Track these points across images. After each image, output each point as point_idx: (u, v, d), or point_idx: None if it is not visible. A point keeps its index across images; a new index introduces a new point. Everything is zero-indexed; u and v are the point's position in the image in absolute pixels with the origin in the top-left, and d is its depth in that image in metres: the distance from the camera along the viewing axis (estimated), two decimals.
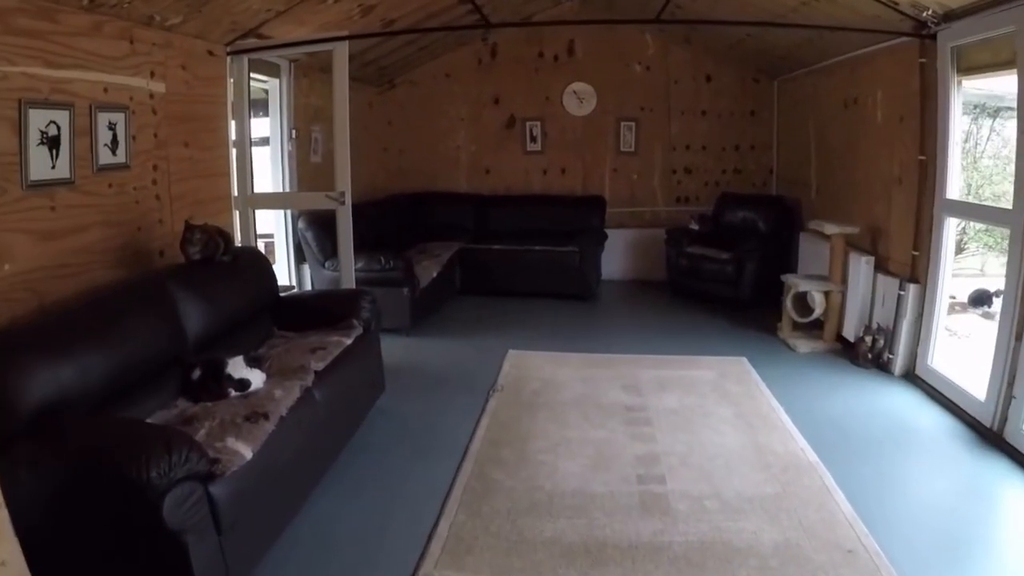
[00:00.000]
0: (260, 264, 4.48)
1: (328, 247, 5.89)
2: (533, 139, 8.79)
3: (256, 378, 3.36)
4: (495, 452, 3.94)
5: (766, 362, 5.46)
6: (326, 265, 6.03)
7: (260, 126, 6.46)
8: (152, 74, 4.27)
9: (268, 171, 6.30)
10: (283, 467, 3.03)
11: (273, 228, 6.58)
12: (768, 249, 7.12)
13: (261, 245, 7.51)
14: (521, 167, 8.86)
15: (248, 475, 2.70)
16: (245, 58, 5.08)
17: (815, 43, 6.23)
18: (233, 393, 3.28)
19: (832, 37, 5.77)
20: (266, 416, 2.98)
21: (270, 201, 5.89)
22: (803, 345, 5.85)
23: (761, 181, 8.58)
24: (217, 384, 3.29)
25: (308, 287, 6.45)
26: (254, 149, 6.66)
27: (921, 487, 3.69)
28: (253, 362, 3.43)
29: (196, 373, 3.34)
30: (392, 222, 7.83)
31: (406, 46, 7.42)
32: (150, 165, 4.31)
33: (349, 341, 4.04)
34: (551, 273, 7.55)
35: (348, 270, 5.23)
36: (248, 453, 2.72)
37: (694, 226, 7.73)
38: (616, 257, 8.47)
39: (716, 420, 4.36)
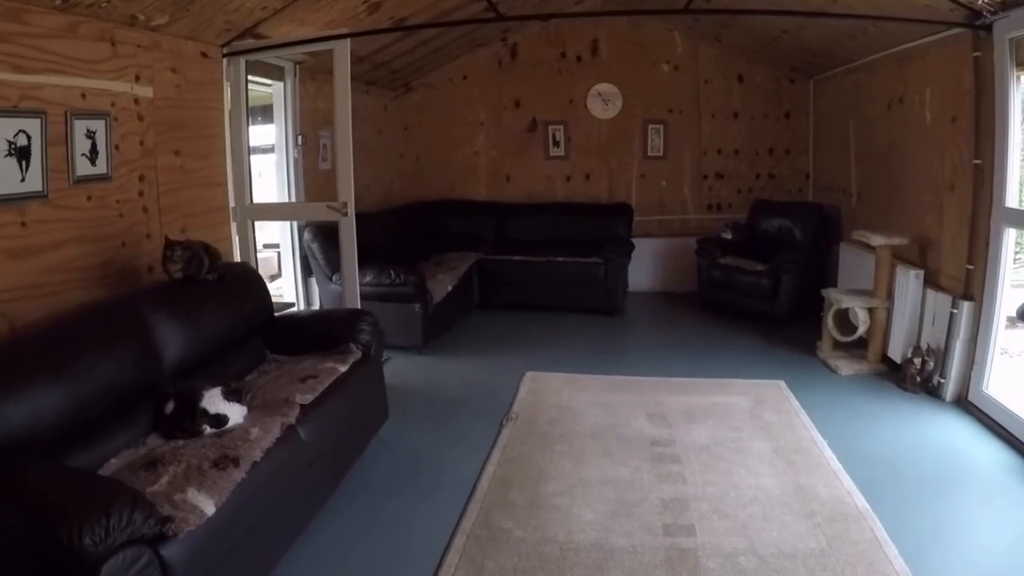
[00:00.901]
0: (251, 282, 4.12)
1: (335, 260, 5.54)
2: (556, 144, 8.42)
3: (235, 413, 3.02)
4: (504, 494, 3.54)
5: (806, 386, 5.03)
6: (333, 279, 5.69)
7: (266, 133, 6.17)
8: (137, 78, 3.97)
9: (274, 180, 6.00)
10: (257, 519, 2.68)
11: (280, 239, 6.28)
12: (806, 260, 6.68)
13: (273, 255, 7.27)
14: (543, 173, 8.49)
15: (210, 533, 2.36)
16: (242, 60, 4.75)
17: (856, 38, 5.81)
18: (208, 430, 2.94)
19: (875, 31, 5.38)
20: (236, 462, 2.63)
21: (269, 212, 5.56)
22: (845, 367, 5.41)
23: (796, 187, 8.15)
24: (191, 420, 2.95)
25: (316, 301, 6.13)
26: (261, 157, 6.38)
27: (982, 539, 3.22)
28: (232, 395, 3.08)
29: (169, 406, 3.01)
30: (408, 232, 7.48)
31: (420, 47, 7.07)
32: (136, 175, 4.01)
33: (344, 368, 3.68)
34: (575, 286, 7.16)
35: (352, 287, 4.86)
36: (209, 508, 2.37)
37: (727, 235, 7.30)
38: (644, 268, 8.06)
39: (752, 457, 3.93)
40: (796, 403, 4.71)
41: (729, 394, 4.88)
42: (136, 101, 3.98)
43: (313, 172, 6.14)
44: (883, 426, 4.42)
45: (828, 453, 3.96)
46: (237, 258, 4.87)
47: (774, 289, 6.57)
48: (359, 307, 4.80)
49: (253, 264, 4.91)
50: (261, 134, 6.37)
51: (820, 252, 6.94)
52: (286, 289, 6.18)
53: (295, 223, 6.00)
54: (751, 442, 4.13)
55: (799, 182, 8.15)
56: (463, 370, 5.59)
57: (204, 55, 4.56)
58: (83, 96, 3.57)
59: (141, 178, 4.04)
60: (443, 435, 4.35)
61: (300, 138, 5.89)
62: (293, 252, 6.06)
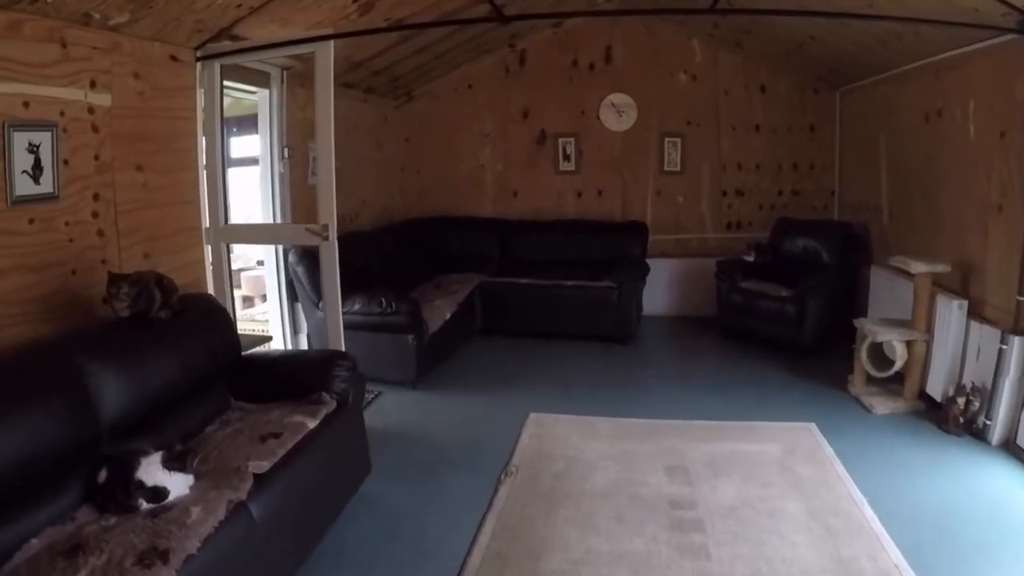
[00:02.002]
0: (214, 318, 3.61)
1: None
2: (566, 157, 7.97)
3: (177, 484, 2.54)
4: (498, 573, 3.04)
5: (839, 429, 4.54)
6: (320, 307, 5.22)
7: (251, 144, 5.71)
8: (93, 84, 3.52)
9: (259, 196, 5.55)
10: None
11: (264, 258, 5.82)
12: (834, 284, 6.21)
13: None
14: (553, 189, 8.03)
15: None
16: (216, 63, 4.28)
17: (889, 44, 5.35)
18: (144, 505, 2.47)
19: (911, 38, 4.94)
20: (165, 557, 2.14)
21: (245, 234, 5.07)
22: (880, 405, 4.91)
23: (822, 204, 7.68)
24: (124, 492, 2.47)
25: (303, 329, 5.65)
26: (246, 171, 5.91)
27: None
28: (174, 462, 2.60)
29: (102, 475, 2.54)
30: (407, 250, 7.01)
31: (422, 52, 6.61)
32: (89, 194, 3.55)
33: (313, 424, 3.18)
34: (585, 311, 6.67)
35: (335, 321, 4.31)
36: None
37: (749, 258, 6.79)
38: (659, 290, 7.57)
39: (785, 521, 3.42)
40: (830, 450, 4.23)
41: (756, 440, 4.38)
42: (90, 110, 3.53)
43: (301, 188, 5.64)
44: (926, 476, 3.95)
45: (869, 514, 3.48)
46: (209, 286, 4.40)
47: (800, 315, 6.08)
48: (342, 342, 4.29)
49: (228, 293, 4.44)
50: (248, 146, 5.92)
51: (849, 275, 6.47)
52: (272, 315, 5.70)
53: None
54: (783, 502, 3.62)
55: (824, 199, 7.69)
56: (460, 410, 5.10)
57: (174, 58, 4.11)
58: (25, 104, 3.14)
59: (96, 197, 3.59)
60: (432, 493, 3.85)
61: (286, 150, 5.43)
62: (277, 275, 5.57)
